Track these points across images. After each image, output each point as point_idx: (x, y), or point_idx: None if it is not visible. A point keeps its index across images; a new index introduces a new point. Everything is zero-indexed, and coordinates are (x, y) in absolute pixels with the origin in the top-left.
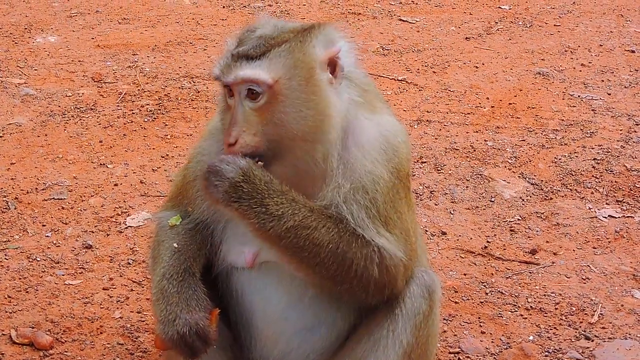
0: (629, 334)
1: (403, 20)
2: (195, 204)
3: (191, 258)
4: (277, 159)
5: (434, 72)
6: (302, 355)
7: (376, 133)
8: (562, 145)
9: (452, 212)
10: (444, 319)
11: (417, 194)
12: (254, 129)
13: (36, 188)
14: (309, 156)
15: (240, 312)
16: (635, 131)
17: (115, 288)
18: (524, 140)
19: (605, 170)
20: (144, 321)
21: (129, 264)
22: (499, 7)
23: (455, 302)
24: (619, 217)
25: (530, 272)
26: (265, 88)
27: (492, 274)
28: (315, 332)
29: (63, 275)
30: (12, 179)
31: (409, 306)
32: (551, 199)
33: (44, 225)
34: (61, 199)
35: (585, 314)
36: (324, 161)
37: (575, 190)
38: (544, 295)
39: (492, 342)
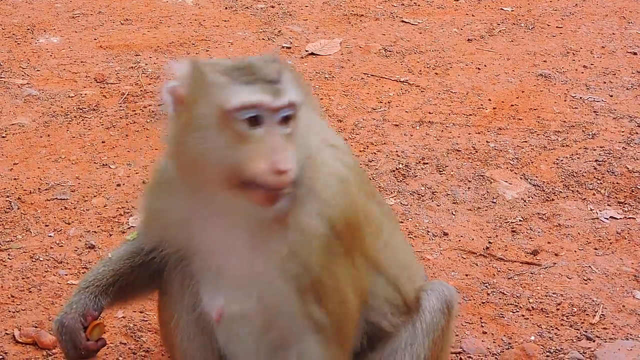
0: (631, 335)
1: (405, 22)
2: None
3: (112, 270)
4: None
5: (436, 73)
6: None
7: (328, 172)
8: (563, 146)
9: (454, 213)
10: None
11: (419, 194)
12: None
13: (39, 188)
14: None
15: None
16: (637, 133)
17: None
18: (525, 141)
19: (607, 171)
20: (146, 321)
21: None
22: (501, 9)
23: (457, 303)
24: (620, 219)
25: (531, 273)
26: (297, 111)
27: (494, 274)
28: None
29: (66, 275)
30: (15, 179)
31: (428, 321)
32: (553, 200)
33: (46, 226)
34: (64, 199)
35: (587, 314)
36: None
37: (577, 191)
38: (546, 295)
39: (494, 342)
